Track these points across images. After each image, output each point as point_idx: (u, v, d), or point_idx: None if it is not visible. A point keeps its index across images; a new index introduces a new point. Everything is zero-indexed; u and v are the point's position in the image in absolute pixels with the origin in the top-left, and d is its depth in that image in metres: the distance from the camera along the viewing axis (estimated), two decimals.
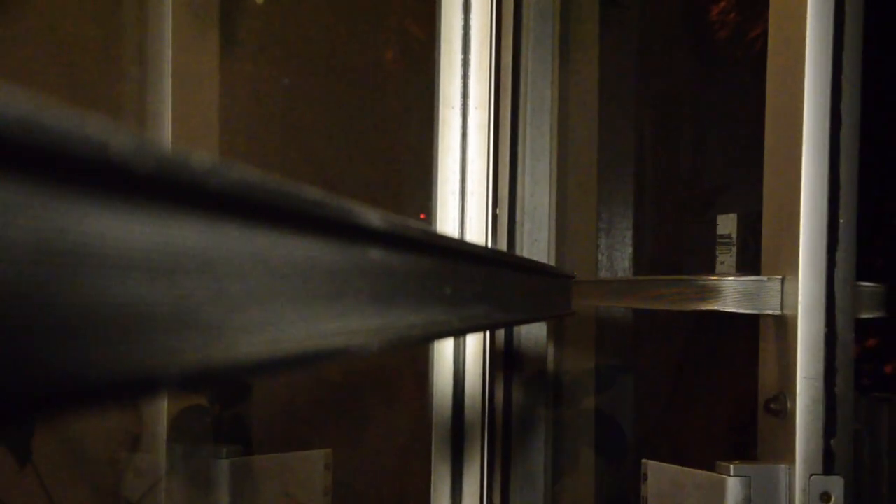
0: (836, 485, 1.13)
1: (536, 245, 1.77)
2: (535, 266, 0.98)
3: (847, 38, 1.15)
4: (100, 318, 0.22)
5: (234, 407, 1.55)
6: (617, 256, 2.25)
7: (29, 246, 0.20)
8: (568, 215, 2.00)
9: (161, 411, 1.42)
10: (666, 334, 2.26)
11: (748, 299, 1.18)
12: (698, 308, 1.22)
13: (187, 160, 0.23)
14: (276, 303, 0.29)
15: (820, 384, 1.14)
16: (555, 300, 0.87)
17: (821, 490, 1.13)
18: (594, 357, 2.14)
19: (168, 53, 1.44)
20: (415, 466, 1.85)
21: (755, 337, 1.24)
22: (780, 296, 1.17)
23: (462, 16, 1.30)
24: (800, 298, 1.14)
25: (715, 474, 1.16)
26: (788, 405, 1.15)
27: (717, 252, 1.63)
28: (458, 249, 0.52)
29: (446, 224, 1.32)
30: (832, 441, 1.14)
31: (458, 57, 1.31)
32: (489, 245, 1.33)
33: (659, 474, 1.26)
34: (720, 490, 1.14)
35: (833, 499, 1.12)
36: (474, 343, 1.32)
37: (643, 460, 1.29)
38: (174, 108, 1.44)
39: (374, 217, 0.34)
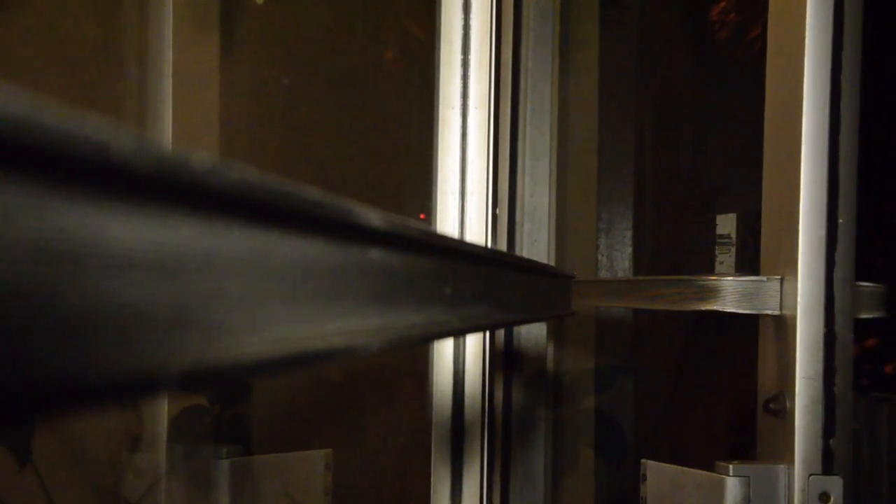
0: (835, 485, 1.13)
1: (536, 245, 1.77)
2: (535, 266, 0.98)
3: (846, 39, 1.15)
4: (100, 318, 0.22)
5: (234, 407, 1.55)
6: (617, 256, 2.25)
7: (29, 246, 0.20)
8: (568, 215, 2.00)
9: (161, 411, 1.42)
10: (665, 334, 2.26)
11: (747, 299, 1.18)
12: (698, 308, 1.22)
13: (187, 160, 0.23)
14: (276, 303, 0.29)
15: (819, 384, 1.14)
16: (555, 300, 0.87)
17: (820, 490, 1.13)
18: (594, 357, 2.14)
19: (168, 53, 1.44)
20: (415, 466, 1.85)
21: (754, 337, 1.24)
22: (779, 296, 1.17)
23: (462, 16, 1.30)
24: (799, 298, 1.14)
25: (714, 474, 1.16)
26: (788, 405, 1.15)
27: (717, 252, 1.63)
28: (457, 249, 0.52)
29: (446, 224, 1.31)
30: (831, 441, 1.14)
31: (458, 57, 1.31)
32: (489, 245, 1.33)
33: (658, 474, 1.26)
34: (719, 490, 1.14)
35: (832, 499, 1.12)
36: (474, 343, 1.32)
37: (642, 460, 1.29)
38: (174, 108, 1.44)
39: (373, 217, 0.34)
